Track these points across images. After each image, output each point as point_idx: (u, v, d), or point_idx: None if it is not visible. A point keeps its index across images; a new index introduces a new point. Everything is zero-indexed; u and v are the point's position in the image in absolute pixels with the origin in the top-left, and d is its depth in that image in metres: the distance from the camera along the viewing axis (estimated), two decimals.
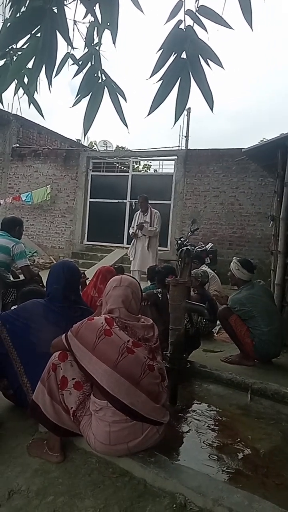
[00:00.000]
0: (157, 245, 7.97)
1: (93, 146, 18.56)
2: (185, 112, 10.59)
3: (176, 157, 11.19)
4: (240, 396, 3.10)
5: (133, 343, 2.03)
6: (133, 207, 11.37)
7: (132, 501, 1.84)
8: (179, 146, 11.70)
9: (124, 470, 2.03)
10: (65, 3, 1.74)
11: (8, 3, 1.89)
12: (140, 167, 20.64)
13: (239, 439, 2.50)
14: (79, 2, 1.83)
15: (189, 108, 12.32)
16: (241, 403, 3.01)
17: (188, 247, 5.06)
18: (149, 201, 8.22)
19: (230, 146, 10.48)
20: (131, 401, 1.95)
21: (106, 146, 15.11)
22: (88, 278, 4.12)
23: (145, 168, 20.78)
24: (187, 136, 12.17)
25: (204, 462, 2.24)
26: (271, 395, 3.05)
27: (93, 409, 2.02)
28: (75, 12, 1.92)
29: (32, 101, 2.09)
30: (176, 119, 1.73)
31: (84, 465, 2.09)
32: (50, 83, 1.80)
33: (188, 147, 11.52)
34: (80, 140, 17.05)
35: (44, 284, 4.23)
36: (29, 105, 2.11)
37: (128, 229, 9.11)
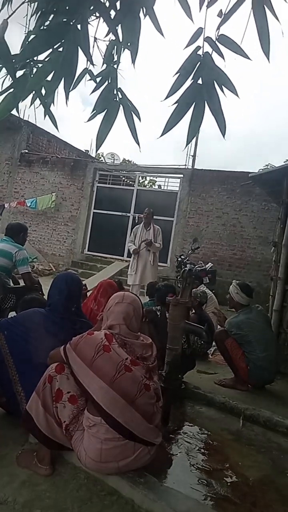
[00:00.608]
0: (157, 261, 7.96)
1: (101, 157, 18.70)
2: None
3: (182, 176, 11.27)
4: (232, 421, 3.08)
5: (131, 361, 2.03)
6: (137, 221, 11.41)
7: None
8: (185, 165, 11.80)
9: (113, 489, 2.01)
10: (88, 20, 1.78)
11: (33, 14, 1.94)
12: (146, 182, 20.76)
13: (228, 465, 2.48)
14: (101, 20, 1.87)
15: None
16: (232, 428, 2.99)
17: (189, 266, 5.07)
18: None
19: (236, 167, 10.64)
20: (125, 420, 1.94)
21: (114, 159, 15.22)
22: (89, 290, 4.11)
23: (150, 184, 20.90)
24: (194, 156, 12.28)
25: (193, 486, 2.22)
26: (263, 422, 3.03)
27: (87, 424, 2.01)
28: (96, 30, 1.96)
29: (48, 113, 2.12)
30: (188, 143, 1.75)
31: (73, 480, 2.08)
32: (67, 97, 1.83)
33: (195, 167, 11.62)
34: (88, 151, 17.20)
35: (44, 291, 4.24)
36: (45, 116, 2.14)
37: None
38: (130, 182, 12.74)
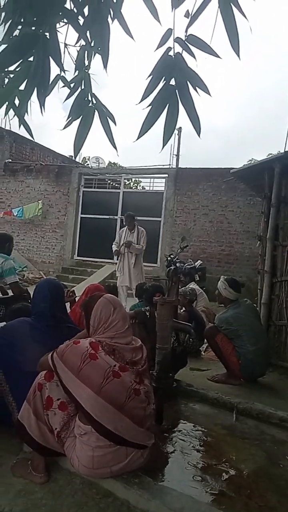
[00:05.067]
0: (142, 262, 8.00)
1: (86, 162, 18.70)
2: (176, 131, 10.73)
3: (167, 175, 11.32)
4: (226, 415, 3.11)
5: (119, 367, 2.03)
6: (124, 223, 11.43)
7: None
8: (170, 164, 11.84)
9: (108, 491, 2.03)
10: (57, 27, 1.79)
11: (0, 24, 1.93)
12: (131, 183, 20.77)
13: (223, 460, 2.51)
14: (70, 26, 1.88)
15: (180, 127, 12.51)
16: (226, 423, 3.02)
17: (177, 265, 5.09)
18: (140, 218, 8.28)
19: (221, 163, 10.71)
20: (115, 427, 1.95)
21: (98, 163, 15.22)
22: (77, 296, 4.11)
23: (135, 185, 20.90)
24: (177, 155, 12.30)
25: (188, 483, 2.24)
26: (256, 415, 3.06)
27: (78, 432, 2.02)
28: (66, 35, 1.97)
29: (23, 122, 2.11)
30: (164, 144, 1.78)
31: (68, 486, 2.09)
32: (42, 105, 1.84)
33: (179, 165, 11.67)
34: (72, 156, 17.15)
35: None
36: (19, 126, 2.14)
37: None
38: (116, 185, 12.76)
